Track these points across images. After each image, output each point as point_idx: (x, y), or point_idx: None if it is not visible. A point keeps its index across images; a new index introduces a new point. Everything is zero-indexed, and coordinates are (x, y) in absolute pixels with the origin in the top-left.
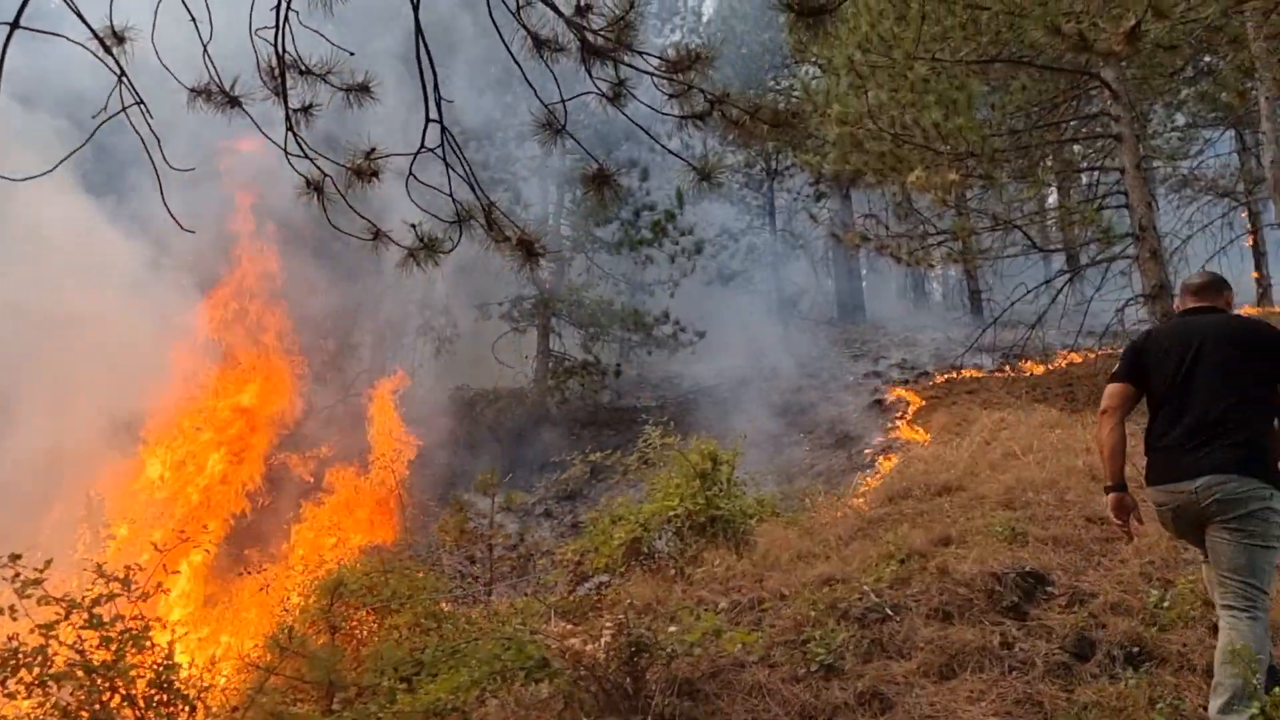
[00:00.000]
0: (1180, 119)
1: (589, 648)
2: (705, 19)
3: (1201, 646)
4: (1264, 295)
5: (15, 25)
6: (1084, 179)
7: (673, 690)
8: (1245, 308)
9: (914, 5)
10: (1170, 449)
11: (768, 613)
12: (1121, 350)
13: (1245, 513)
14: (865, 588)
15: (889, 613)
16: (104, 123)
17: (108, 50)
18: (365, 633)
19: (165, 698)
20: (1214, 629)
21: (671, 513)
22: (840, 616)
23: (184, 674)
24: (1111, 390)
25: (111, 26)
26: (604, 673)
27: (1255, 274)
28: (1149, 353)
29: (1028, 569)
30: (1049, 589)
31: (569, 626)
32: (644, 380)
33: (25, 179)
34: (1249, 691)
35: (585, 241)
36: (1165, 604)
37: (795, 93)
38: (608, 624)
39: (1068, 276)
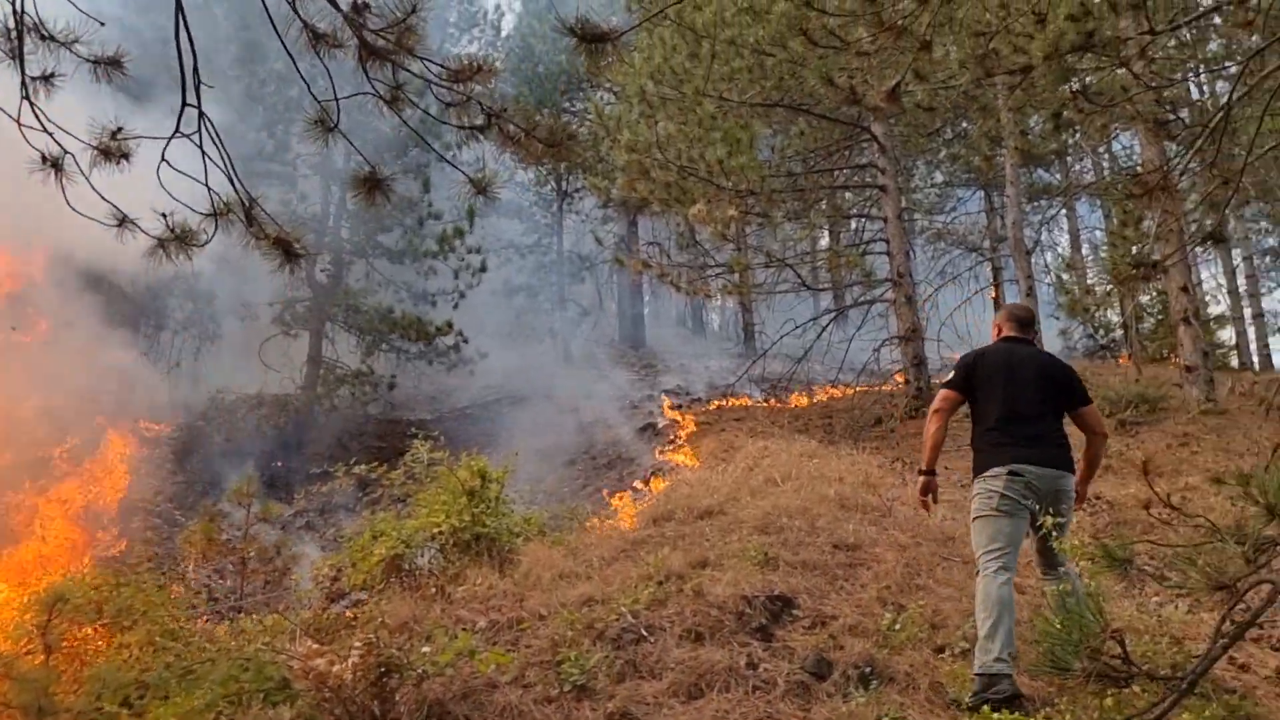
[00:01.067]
0: (939, 177)
1: (335, 668)
2: (504, 34)
3: (926, 667)
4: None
5: None
6: (852, 224)
7: (422, 712)
8: None
9: (705, 45)
10: (1033, 443)
11: (525, 633)
12: (958, 364)
13: (1070, 504)
14: (623, 608)
15: (644, 633)
16: None
17: None
18: (91, 652)
19: None
20: (938, 650)
21: (436, 529)
22: (596, 637)
23: None
24: (945, 395)
25: None
26: (350, 694)
27: (996, 324)
28: (980, 371)
29: (776, 592)
30: (795, 611)
31: (316, 646)
32: (420, 393)
33: None
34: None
35: (366, 246)
36: (897, 627)
37: (589, 116)
38: (357, 643)
39: (832, 315)
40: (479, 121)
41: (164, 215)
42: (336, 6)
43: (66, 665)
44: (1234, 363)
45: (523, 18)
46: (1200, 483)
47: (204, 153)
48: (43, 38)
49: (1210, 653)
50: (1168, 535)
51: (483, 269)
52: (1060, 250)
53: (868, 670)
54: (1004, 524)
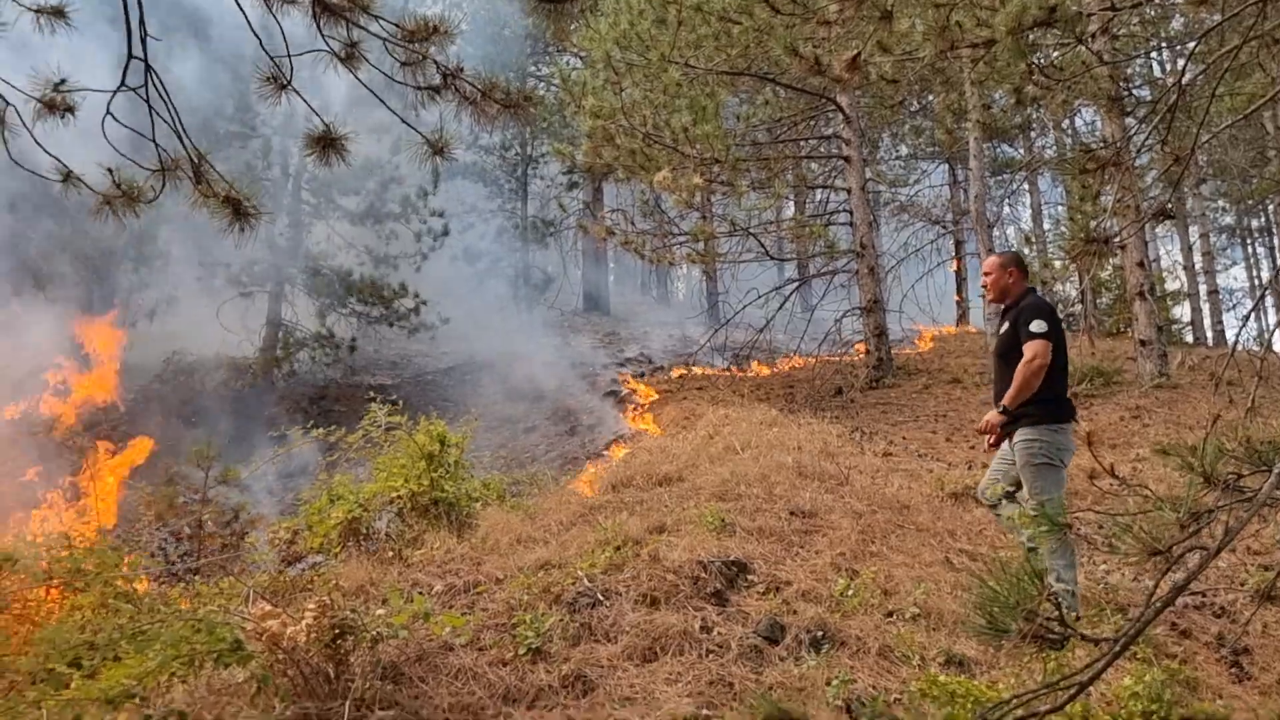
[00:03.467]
0: (903, 149)
1: (289, 630)
2: None
3: (877, 631)
4: (962, 317)
5: None
6: (817, 195)
7: (376, 674)
8: (946, 328)
9: (672, 10)
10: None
11: (482, 596)
12: (1047, 314)
13: None
14: (579, 573)
15: (600, 598)
16: None
17: None
18: (43, 614)
19: None
20: (888, 615)
21: (395, 493)
22: (553, 601)
23: None
24: (1048, 347)
25: None
26: (303, 656)
27: (957, 297)
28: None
29: (732, 558)
30: (750, 577)
31: (269, 608)
32: (381, 357)
33: None
34: None
35: (327, 208)
36: (850, 592)
37: (554, 81)
38: (311, 605)
39: (796, 285)
40: (435, 82)
41: (110, 171)
42: None
43: (17, 627)
44: (1188, 338)
45: None
46: (1151, 454)
47: (150, 107)
48: None
49: (1144, 615)
50: (1117, 505)
51: (445, 233)
52: (1022, 225)
53: (820, 635)
54: (1064, 475)
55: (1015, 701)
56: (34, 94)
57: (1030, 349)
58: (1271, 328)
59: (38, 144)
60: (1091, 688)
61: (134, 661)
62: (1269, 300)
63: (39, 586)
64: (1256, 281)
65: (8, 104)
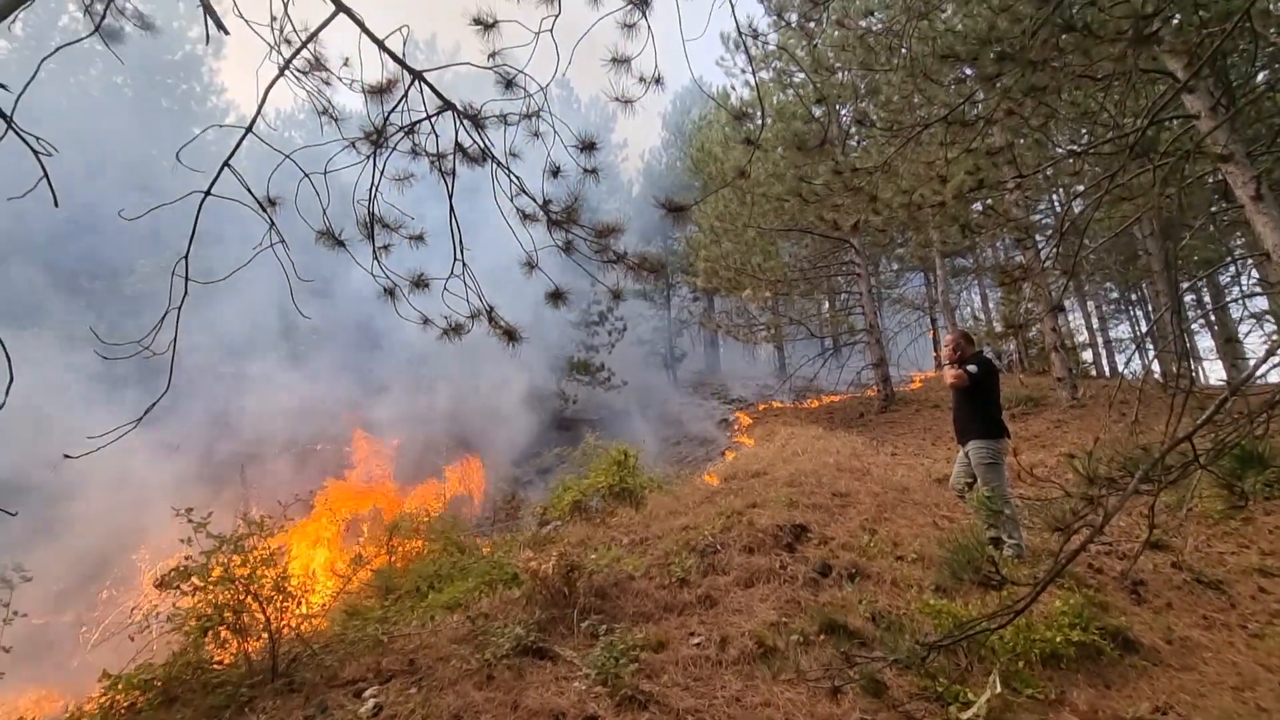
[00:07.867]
0: (895, 265)
1: (543, 567)
2: (634, 194)
3: (889, 569)
4: (938, 366)
5: (208, 193)
6: (841, 296)
7: (591, 592)
8: (929, 373)
9: (748, 197)
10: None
11: (650, 546)
12: (980, 363)
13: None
14: (706, 532)
15: (718, 547)
16: (259, 252)
17: (264, 209)
18: (413, 555)
19: (280, 596)
20: (898, 559)
21: (599, 485)
22: (691, 550)
23: (294, 581)
24: (961, 376)
25: (268, 195)
26: (550, 582)
27: (934, 354)
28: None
29: (798, 522)
30: (809, 534)
31: (531, 554)
32: (589, 403)
33: (226, 276)
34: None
35: (557, 322)
36: (872, 544)
37: (679, 243)
38: (555, 552)
39: (830, 352)
40: (613, 258)
41: (445, 318)
42: (534, 200)
43: (401, 563)
44: (1093, 373)
45: (644, 188)
46: (1070, 452)
47: (466, 284)
48: (383, 225)
49: (1052, 569)
50: (1046, 489)
51: (623, 330)
52: (973, 307)
53: (853, 571)
54: (1004, 468)
55: (980, 620)
56: (408, 279)
57: (957, 373)
58: (1147, 364)
59: (410, 305)
60: (1033, 607)
61: (460, 584)
62: (1147, 345)
63: (412, 539)
64: (1137, 332)
65: (396, 285)
